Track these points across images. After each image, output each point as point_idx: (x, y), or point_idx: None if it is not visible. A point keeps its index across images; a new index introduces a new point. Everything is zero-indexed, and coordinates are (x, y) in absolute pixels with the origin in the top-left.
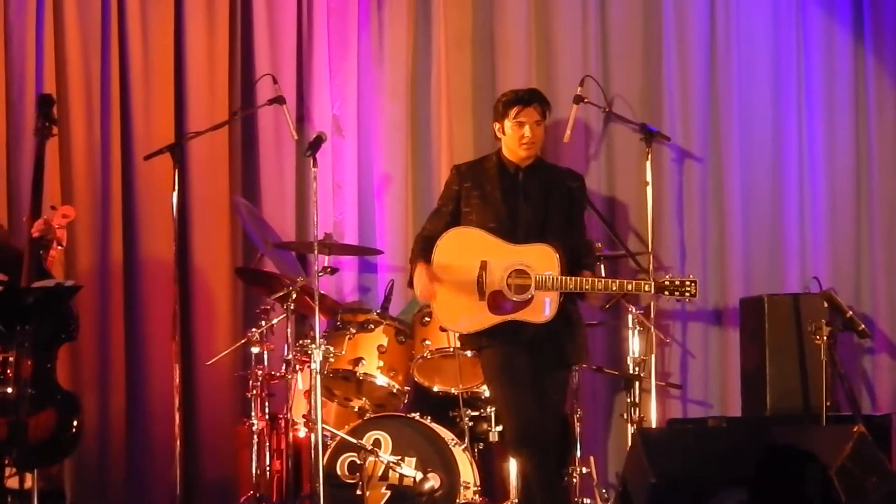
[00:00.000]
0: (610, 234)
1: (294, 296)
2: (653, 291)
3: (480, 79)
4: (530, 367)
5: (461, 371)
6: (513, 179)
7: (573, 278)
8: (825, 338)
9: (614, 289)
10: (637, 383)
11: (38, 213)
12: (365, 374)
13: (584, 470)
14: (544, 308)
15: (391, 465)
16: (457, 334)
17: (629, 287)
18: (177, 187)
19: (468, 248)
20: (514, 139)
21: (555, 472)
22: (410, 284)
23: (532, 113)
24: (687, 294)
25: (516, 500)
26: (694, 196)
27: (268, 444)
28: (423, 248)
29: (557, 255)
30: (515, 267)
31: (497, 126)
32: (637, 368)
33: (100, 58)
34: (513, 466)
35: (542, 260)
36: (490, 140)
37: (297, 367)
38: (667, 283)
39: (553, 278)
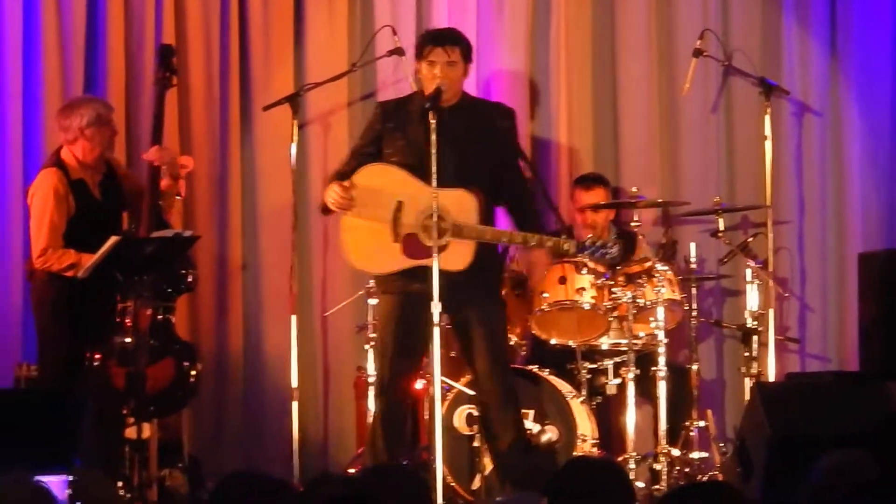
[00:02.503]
0: (536, 183)
1: None
2: (573, 250)
3: (599, 31)
4: (422, 320)
5: (579, 324)
6: (436, 122)
7: (491, 229)
8: None
9: (533, 244)
10: (755, 337)
11: None
12: None
13: (702, 423)
14: (460, 257)
15: None
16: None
17: (549, 243)
18: (295, 138)
19: (386, 186)
20: (428, 80)
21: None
22: (324, 211)
23: (442, 53)
24: (608, 256)
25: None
26: (813, 150)
27: None
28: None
29: (476, 202)
30: (432, 211)
31: (417, 67)
32: (755, 322)
33: (219, 8)
34: (630, 419)
35: (459, 205)
36: (609, 90)
37: None
38: (587, 243)
39: (472, 227)
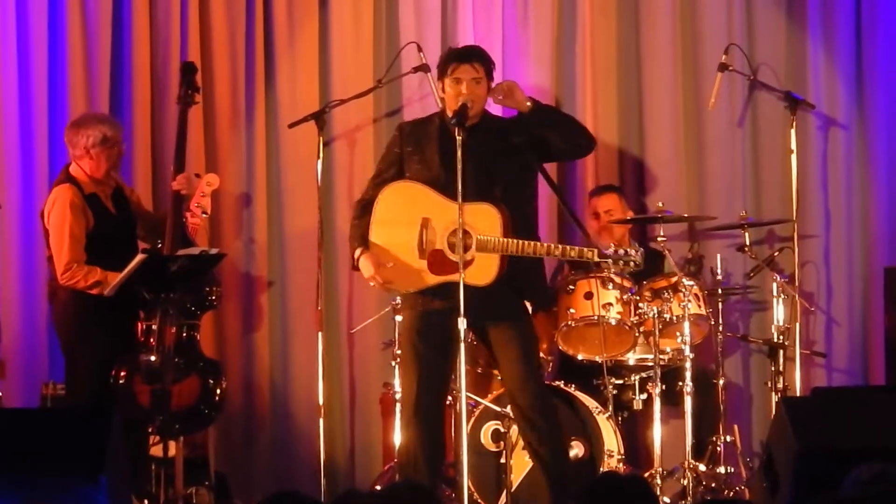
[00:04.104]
0: (557, 198)
1: None
2: (596, 258)
3: (625, 45)
4: (449, 334)
5: (605, 339)
6: (454, 140)
7: (515, 241)
8: None
9: (556, 254)
10: (781, 352)
11: None
12: None
13: (728, 438)
14: (486, 270)
15: None
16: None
17: (572, 253)
18: (321, 155)
19: (410, 204)
20: (452, 97)
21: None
22: (355, 268)
23: (469, 70)
24: (631, 263)
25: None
26: (839, 164)
27: None
28: (360, 223)
29: (500, 215)
30: (457, 227)
31: (439, 85)
32: (781, 337)
33: (244, 25)
34: (656, 434)
35: (484, 220)
36: (634, 104)
37: None
38: (610, 252)
39: (496, 241)
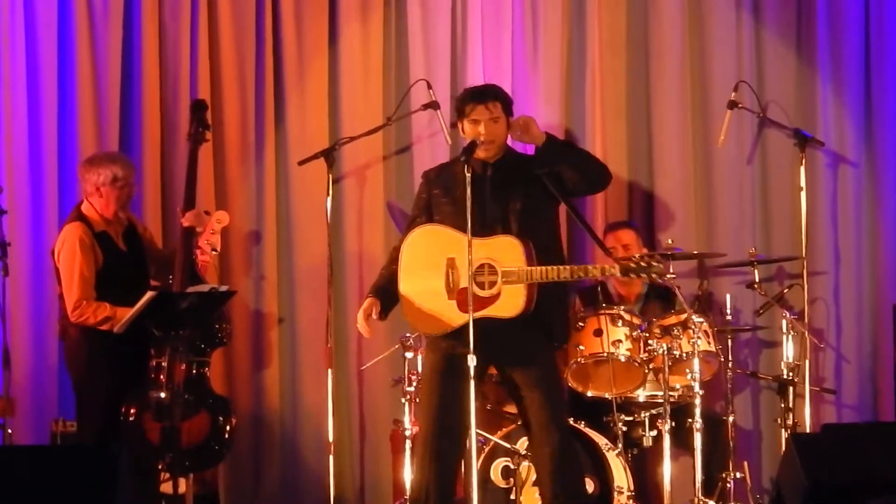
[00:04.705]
0: (581, 225)
1: None
2: (619, 273)
3: (634, 83)
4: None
5: (615, 376)
6: (480, 178)
7: (538, 268)
8: None
9: (580, 274)
10: (791, 388)
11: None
12: None
13: (738, 475)
14: (513, 302)
15: None
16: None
17: (595, 272)
18: (330, 192)
19: (434, 247)
20: (470, 138)
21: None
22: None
23: (484, 111)
24: (654, 273)
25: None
26: (848, 201)
27: None
28: (384, 271)
29: (523, 246)
30: (481, 262)
31: (459, 126)
32: (791, 373)
33: (254, 62)
34: (666, 471)
35: (507, 252)
36: (644, 141)
37: None
38: (632, 264)
39: (519, 271)
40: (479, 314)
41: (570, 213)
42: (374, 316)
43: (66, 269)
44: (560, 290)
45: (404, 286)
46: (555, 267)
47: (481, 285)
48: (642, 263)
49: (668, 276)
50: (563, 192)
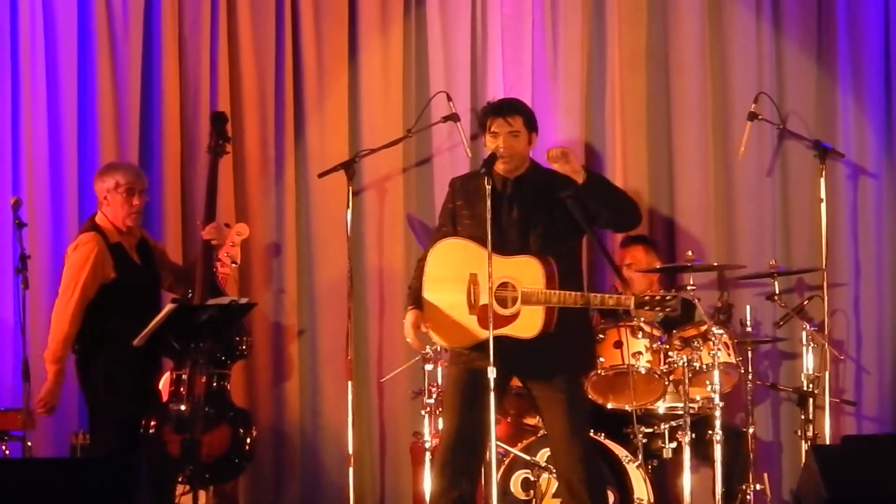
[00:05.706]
0: (597, 248)
1: None
2: (633, 306)
3: (654, 97)
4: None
5: (635, 388)
6: (498, 195)
7: (557, 293)
8: None
9: (596, 303)
10: (811, 400)
11: None
12: None
13: (758, 487)
14: (532, 323)
15: None
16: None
17: (610, 302)
18: (351, 205)
19: (458, 261)
20: (491, 151)
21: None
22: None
23: (503, 124)
24: (668, 309)
25: None
26: (868, 212)
27: None
28: (415, 283)
29: (544, 268)
30: (502, 280)
31: (483, 139)
32: (811, 385)
33: (274, 74)
34: (686, 483)
35: (527, 272)
36: (664, 154)
37: None
38: (647, 298)
39: (538, 292)
40: (497, 332)
41: (592, 240)
42: (424, 329)
43: (69, 275)
44: (583, 314)
45: (428, 293)
46: (572, 293)
47: (503, 301)
48: (657, 298)
49: (689, 287)
50: (586, 218)
